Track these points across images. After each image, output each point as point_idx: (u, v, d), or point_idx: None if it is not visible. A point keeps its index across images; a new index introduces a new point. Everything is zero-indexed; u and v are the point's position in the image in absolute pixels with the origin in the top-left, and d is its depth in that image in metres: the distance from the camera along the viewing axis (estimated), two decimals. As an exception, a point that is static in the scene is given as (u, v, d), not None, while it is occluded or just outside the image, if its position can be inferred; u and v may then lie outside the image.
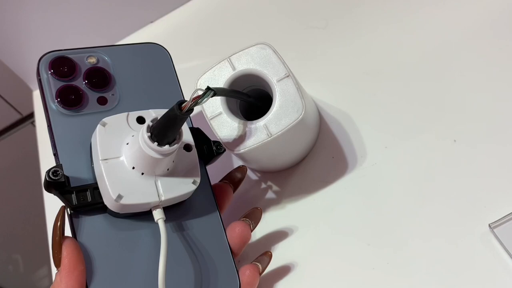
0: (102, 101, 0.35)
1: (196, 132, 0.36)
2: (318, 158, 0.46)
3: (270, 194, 0.46)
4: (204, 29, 0.59)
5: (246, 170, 0.42)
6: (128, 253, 0.33)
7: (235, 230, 0.37)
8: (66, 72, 0.35)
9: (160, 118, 0.31)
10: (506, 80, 0.43)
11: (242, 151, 0.37)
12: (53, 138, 0.33)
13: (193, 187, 0.34)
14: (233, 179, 0.41)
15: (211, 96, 0.30)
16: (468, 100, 0.43)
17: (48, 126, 0.34)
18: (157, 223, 0.33)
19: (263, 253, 0.40)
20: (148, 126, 0.31)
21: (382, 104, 0.46)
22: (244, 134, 0.38)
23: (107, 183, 0.31)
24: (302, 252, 0.43)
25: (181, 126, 0.31)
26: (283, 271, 0.42)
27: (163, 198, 0.32)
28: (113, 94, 0.36)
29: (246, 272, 0.37)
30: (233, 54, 0.39)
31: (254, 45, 0.39)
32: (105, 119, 0.32)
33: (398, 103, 0.45)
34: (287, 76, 0.38)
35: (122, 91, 0.36)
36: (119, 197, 0.31)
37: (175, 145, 0.31)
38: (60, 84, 0.35)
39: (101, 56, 0.36)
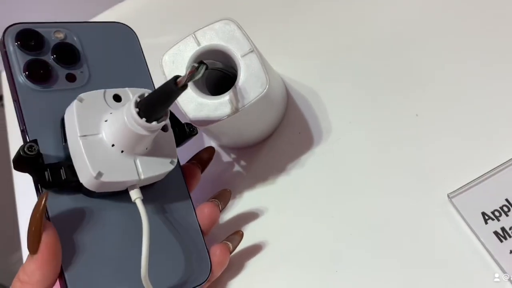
0: (71, 78, 0.34)
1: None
2: (285, 133, 0.47)
3: (238, 170, 0.47)
4: (176, 4, 0.58)
5: (214, 151, 0.43)
6: (103, 235, 0.32)
7: (204, 211, 0.38)
8: (34, 45, 0.33)
9: (152, 93, 0.30)
10: (469, 56, 0.44)
11: (207, 126, 0.38)
12: (21, 113, 0.32)
13: (171, 167, 0.34)
14: (201, 159, 0.41)
15: (205, 70, 0.29)
16: (430, 75, 0.44)
17: (15, 101, 0.32)
18: (133, 203, 0.32)
19: (234, 232, 0.41)
20: (136, 101, 0.30)
21: (347, 80, 0.47)
22: (209, 109, 0.38)
23: (87, 160, 0.30)
24: (271, 228, 0.44)
25: (173, 102, 0.30)
26: (254, 249, 0.43)
27: (142, 177, 0.32)
28: (82, 72, 0.35)
29: (217, 252, 0.38)
30: (198, 29, 0.39)
31: (218, 21, 0.39)
32: (82, 95, 0.31)
33: (363, 79, 0.46)
34: (251, 51, 0.38)
35: (91, 69, 0.35)
36: (99, 174, 0.30)
37: (163, 122, 0.31)
38: (28, 57, 0.33)
39: (68, 32, 0.35)
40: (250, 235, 0.44)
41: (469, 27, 0.45)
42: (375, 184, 0.42)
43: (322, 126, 0.46)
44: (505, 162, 0.39)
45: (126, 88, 0.33)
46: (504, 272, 0.36)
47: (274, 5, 0.53)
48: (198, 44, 0.39)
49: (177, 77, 0.29)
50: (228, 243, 0.40)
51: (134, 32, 0.38)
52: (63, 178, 0.31)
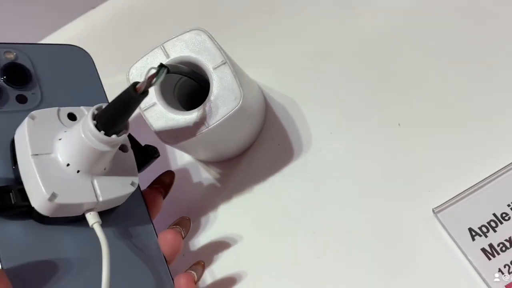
0: (21, 99, 0.32)
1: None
2: (264, 146, 0.45)
3: (215, 185, 0.45)
4: (144, 13, 0.56)
5: (174, 175, 0.40)
6: (58, 265, 0.30)
7: (167, 237, 0.35)
8: None
9: (110, 103, 0.28)
10: (452, 65, 0.42)
11: (179, 143, 0.36)
12: None
13: (132, 189, 0.32)
14: (163, 184, 0.39)
15: (166, 73, 0.27)
16: (412, 84, 0.43)
17: None
18: (90, 229, 0.30)
19: (196, 263, 0.39)
20: (93, 114, 0.28)
21: (327, 90, 0.45)
22: (180, 126, 0.36)
23: (39, 180, 0.28)
24: (249, 248, 0.42)
25: (134, 111, 0.28)
26: (229, 260, 0.42)
27: (101, 199, 0.30)
28: (33, 93, 0.33)
29: (182, 281, 0.35)
30: (167, 41, 0.37)
31: (188, 31, 0.37)
32: (34, 112, 0.30)
33: (344, 88, 0.45)
34: (224, 63, 0.36)
35: (44, 90, 0.33)
36: (53, 195, 0.28)
37: (123, 135, 0.29)
38: None
39: (20, 53, 0.34)
40: (221, 262, 0.42)
41: (451, 35, 0.44)
42: (357, 197, 0.40)
43: (303, 138, 0.44)
44: (491, 175, 0.37)
45: (82, 107, 0.31)
46: (492, 291, 0.34)
47: (250, 13, 0.51)
48: (167, 56, 0.37)
49: (136, 83, 0.27)
50: (193, 272, 0.38)
51: (88, 54, 0.36)
52: (12, 202, 0.28)
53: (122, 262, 0.32)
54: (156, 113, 0.36)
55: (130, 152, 0.33)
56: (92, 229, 0.30)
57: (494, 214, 0.36)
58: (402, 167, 0.40)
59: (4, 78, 0.32)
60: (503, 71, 0.41)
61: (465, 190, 0.37)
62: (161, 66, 0.27)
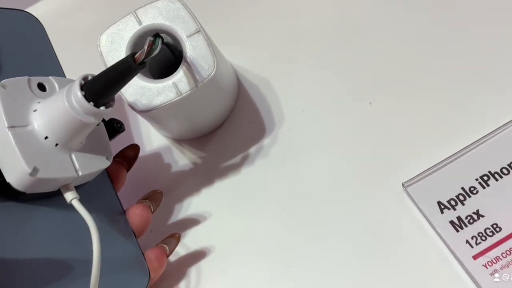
0: None
1: None
2: (236, 124, 0.45)
3: (186, 162, 0.44)
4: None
5: (139, 149, 0.39)
6: (35, 244, 0.28)
7: (135, 212, 0.35)
8: None
9: (103, 73, 0.27)
10: (421, 43, 0.43)
11: (149, 111, 0.35)
12: None
13: (108, 163, 0.31)
14: (126, 157, 0.38)
15: (161, 43, 0.27)
16: (381, 62, 0.43)
17: None
18: (66, 204, 0.29)
19: (170, 235, 0.38)
20: (81, 84, 0.27)
21: (300, 69, 0.45)
22: (151, 94, 0.35)
23: (19, 154, 0.26)
24: (218, 223, 0.41)
25: (130, 80, 0.27)
26: (198, 252, 0.41)
27: (80, 173, 0.29)
28: None
29: (153, 256, 0.34)
30: (139, 7, 0.36)
31: (162, -2, 0.36)
32: (4, 81, 0.28)
33: (316, 68, 0.45)
34: (198, 32, 0.35)
35: (0, 60, 0.31)
36: (35, 170, 0.26)
37: (110, 108, 0.28)
38: None
39: None
40: (193, 237, 0.41)
41: (423, 13, 0.44)
42: (328, 173, 0.41)
43: (275, 116, 0.44)
44: (460, 150, 0.38)
45: (50, 77, 0.30)
46: (459, 262, 0.35)
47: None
48: (140, 23, 0.36)
49: (134, 53, 0.26)
50: (164, 246, 0.37)
51: (40, 22, 0.34)
52: None
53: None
54: (127, 81, 0.35)
55: (102, 126, 0.32)
56: (69, 204, 0.29)
57: (463, 188, 0.37)
58: (373, 144, 0.40)
59: None
60: (471, 47, 0.42)
61: (434, 165, 0.38)
62: (156, 35, 0.27)
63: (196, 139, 0.44)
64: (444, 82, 0.41)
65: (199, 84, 0.35)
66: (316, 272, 0.37)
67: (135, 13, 0.36)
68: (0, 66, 0.31)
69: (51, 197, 0.29)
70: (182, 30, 0.36)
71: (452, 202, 0.36)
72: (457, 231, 0.35)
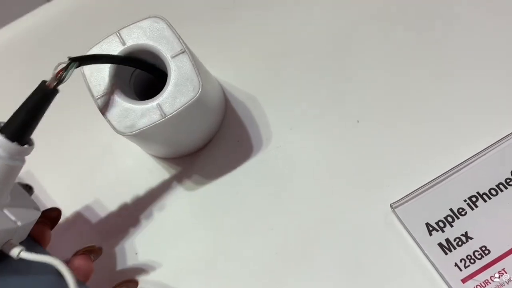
0: None
1: None
2: (222, 142, 0.44)
3: (170, 182, 0.43)
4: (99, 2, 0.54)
5: (60, 212, 0.38)
6: None
7: (74, 264, 0.34)
8: None
9: (19, 108, 0.27)
10: (410, 62, 0.43)
11: (133, 133, 0.34)
12: None
13: (38, 213, 0.31)
14: (49, 217, 0.37)
15: (76, 67, 0.27)
16: (369, 81, 0.43)
17: None
18: (11, 262, 0.28)
19: (127, 280, 0.38)
20: None
21: (287, 87, 0.45)
22: (135, 116, 0.34)
23: None
24: (204, 242, 0.41)
25: (46, 109, 0.27)
26: (182, 262, 0.40)
27: (19, 223, 0.28)
28: None
29: None
30: (123, 27, 0.35)
31: (146, 18, 0.36)
32: None
33: (304, 86, 0.44)
34: (183, 52, 0.35)
35: None
36: None
37: (33, 144, 0.28)
38: None
39: None
40: (177, 256, 0.40)
41: (410, 30, 0.44)
42: (316, 193, 0.40)
43: (262, 133, 0.44)
44: (448, 171, 0.38)
45: None
46: (448, 285, 0.34)
47: (210, 7, 0.50)
48: (123, 43, 0.35)
49: (44, 81, 0.27)
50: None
51: None
52: None
53: None
54: (111, 102, 0.35)
55: (17, 184, 0.32)
56: (14, 261, 0.28)
57: (451, 209, 0.36)
58: (361, 163, 0.40)
59: None
60: (460, 67, 0.42)
61: (422, 186, 0.37)
62: (71, 60, 0.27)
63: (179, 158, 0.44)
64: (432, 102, 0.41)
65: (184, 106, 0.34)
66: (304, 295, 0.37)
67: (119, 33, 0.35)
68: None
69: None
70: (166, 50, 0.35)
71: (441, 224, 0.36)
72: (446, 253, 0.35)
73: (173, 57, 0.35)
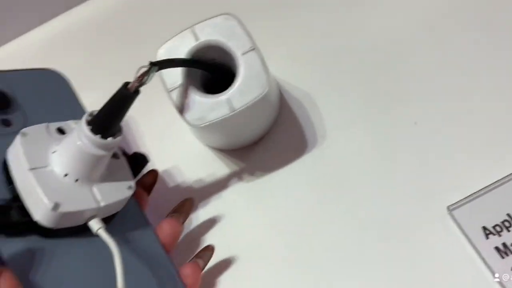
0: (6, 122, 0.32)
1: None
2: (277, 137, 0.45)
3: (224, 173, 0.44)
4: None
5: (157, 174, 0.39)
6: (66, 278, 0.30)
7: (163, 228, 0.36)
8: None
9: (103, 106, 0.29)
10: (471, 63, 0.43)
11: (202, 125, 0.36)
12: None
13: (130, 192, 0.32)
14: (144, 185, 0.38)
15: (156, 71, 0.29)
16: (430, 83, 0.43)
17: None
18: (94, 237, 0.30)
19: (204, 248, 0.39)
20: (87, 120, 0.29)
21: (344, 86, 0.45)
22: (205, 108, 0.36)
23: (41, 191, 0.28)
24: (252, 234, 0.42)
25: (128, 110, 0.29)
26: (228, 262, 0.41)
27: (102, 204, 0.30)
28: (17, 116, 0.33)
29: (188, 273, 0.35)
30: (197, 23, 0.37)
31: (218, 15, 0.37)
32: (24, 130, 0.30)
33: (361, 84, 0.45)
34: (253, 50, 0.36)
35: (26, 113, 0.33)
36: (57, 205, 0.28)
37: (118, 137, 0.30)
38: None
39: None
40: (226, 246, 0.41)
41: (469, 36, 0.44)
42: (371, 194, 0.41)
43: (316, 131, 0.44)
44: (507, 176, 0.38)
45: (69, 121, 0.32)
46: (504, 289, 0.35)
47: (271, 5, 0.51)
48: (196, 39, 0.37)
49: (127, 83, 0.28)
50: (198, 260, 0.37)
51: (64, 76, 0.37)
52: (14, 220, 0.28)
53: (126, 267, 0.31)
54: (182, 94, 0.36)
55: (122, 158, 0.34)
56: (97, 236, 0.30)
57: (508, 214, 0.37)
58: (418, 164, 0.40)
59: None
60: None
61: (480, 189, 0.38)
62: (152, 64, 0.28)
63: (233, 151, 0.45)
64: (493, 105, 0.41)
65: (252, 101, 0.35)
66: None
67: (193, 29, 0.37)
68: (27, 119, 0.33)
69: (81, 232, 0.30)
70: (237, 47, 0.36)
71: (498, 228, 0.36)
72: (502, 257, 0.36)
73: (243, 54, 0.36)
